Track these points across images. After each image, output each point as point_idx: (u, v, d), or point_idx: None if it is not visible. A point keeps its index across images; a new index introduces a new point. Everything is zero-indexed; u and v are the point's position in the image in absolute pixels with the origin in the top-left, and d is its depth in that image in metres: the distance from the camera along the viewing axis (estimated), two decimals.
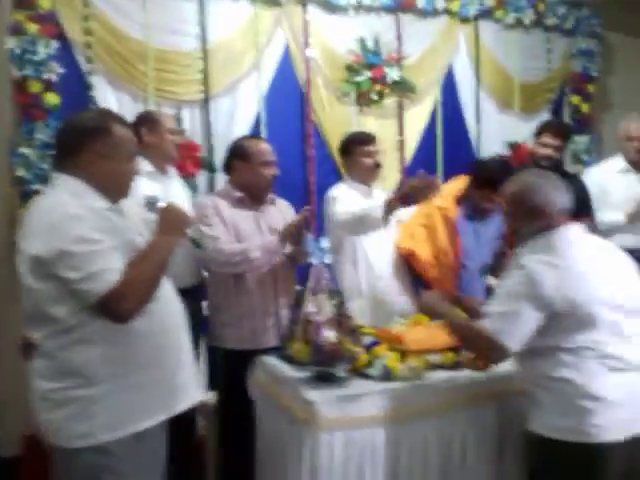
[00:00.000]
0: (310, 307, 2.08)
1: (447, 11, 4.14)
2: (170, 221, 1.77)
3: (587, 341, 1.77)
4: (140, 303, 1.61)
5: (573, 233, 1.90)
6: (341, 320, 2.10)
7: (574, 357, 1.77)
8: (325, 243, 2.12)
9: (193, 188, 3.49)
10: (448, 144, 4.21)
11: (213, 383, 2.75)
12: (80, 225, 1.56)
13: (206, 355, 2.88)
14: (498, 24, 4.36)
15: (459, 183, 3.01)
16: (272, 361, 2.31)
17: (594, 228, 3.10)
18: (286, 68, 3.83)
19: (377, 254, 2.97)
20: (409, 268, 3.00)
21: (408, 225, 3.03)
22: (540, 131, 3.46)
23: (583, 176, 3.69)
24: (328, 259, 2.13)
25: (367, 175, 3.02)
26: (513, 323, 1.78)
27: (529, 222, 1.90)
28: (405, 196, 2.53)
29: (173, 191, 2.76)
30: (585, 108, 4.65)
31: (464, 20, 4.24)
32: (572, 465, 1.76)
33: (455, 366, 2.22)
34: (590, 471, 1.75)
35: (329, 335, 2.03)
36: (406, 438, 2.05)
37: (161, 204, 1.81)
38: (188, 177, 3.47)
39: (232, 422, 2.55)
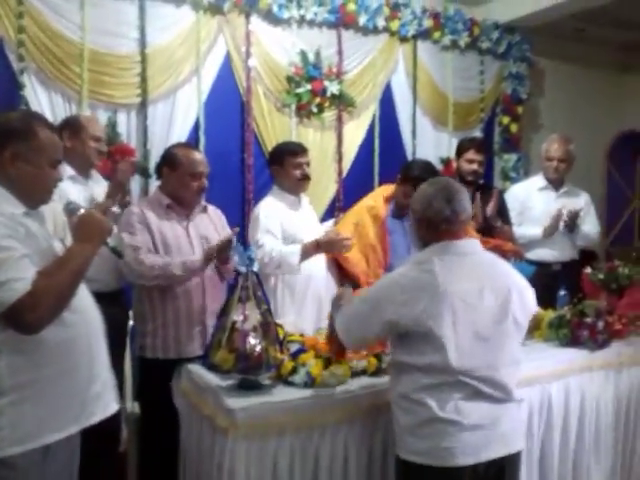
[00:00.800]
0: (236, 315, 2.09)
1: (387, 30, 4.27)
2: (89, 229, 1.70)
3: (439, 363, 1.74)
4: (51, 313, 1.56)
5: (462, 249, 1.85)
6: (267, 328, 2.12)
7: (430, 379, 1.75)
8: (253, 252, 2.14)
9: (127, 193, 3.44)
10: (384, 158, 4.33)
11: (140, 393, 2.71)
12: None
13: (133, 364, 2.84)
14: (435, 45, 4.53)
15: (389, 187, 3.08)
16: (196, 369, 2.30)
17: None
18: (227, 76, 3.85)
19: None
20: (339, 266, 3.03)
21: (340, 225, 3.08)
22: (463, 148, 3.59)
23: (507, 192, 3.88)
24: (256, 267, 2.15)
25: (295, 186, 3.00)
26: (355, 321, 1.88)
27: (421, 230, 1.90)
28: (319, 245, 2.79)
29: (98, 195, 2.70)
30: (514, 128, 4.87)
31: (403, 39, 4.38)
32: None
33: (377, 372, 2.28)
34: None
35: (254, 343, 2.05)
36: (328, 445, 2.08)
37: (81, 210, 1.76)
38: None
39: (156, 433, 2.51)
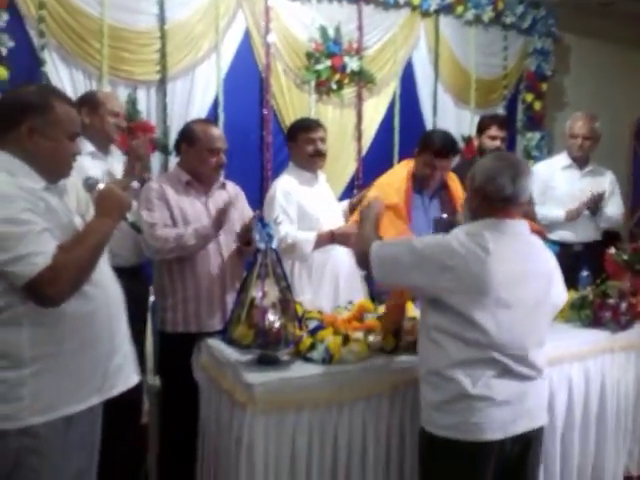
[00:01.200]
0: (255, 291, 2.09)
1: (408, 4, 4.19)
2: (108, 203, 1.70)
3: (475, 338, 1.75)
4: (71, 287, 1.57)
5: (512, 228, 1.83)
6: (286, 305, 2.12)
7: (463, 354, 1.76)
8: (273, 229, 2.14)
9: (147, 169, 3.46)
10: (405, 136, 4.27)
11: (161, 367, 2.75)
12: (10, 206, 1.52)
13: (154, 339, 2.87)
14: (458, 20, 4.44)
15: (409, 161, 2.99)
16: (216, 344, 2.32)
17: None
18: (246, 53, 3.82)
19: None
20: None
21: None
22: (485, 125, 3.54)
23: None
24: (275, 244, 2.15)
25: (308, 163, 2.92)
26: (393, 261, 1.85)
27: (475, 202, 1.86)
28: (334, 237, 2.77)
29: (117, 171, 2.71)
30: (538, 106, 4.77)
31: (425, 14, 4.30)
32: (456, 462, 1.80)
33: (395, 350, 2.27)
34: (472, 468, 1.80)
35: (273, 319, 2.06)
36: (346, 422, 2.09)
37: (100, 185, 1.76)
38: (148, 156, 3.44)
39: (176, 406, 2.54)
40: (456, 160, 3.25)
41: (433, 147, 2.67)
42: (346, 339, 2.22)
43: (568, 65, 5.12)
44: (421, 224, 2.85)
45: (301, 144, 2.93)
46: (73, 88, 3.32)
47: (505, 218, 1.83)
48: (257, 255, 2.15)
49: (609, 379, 2.64)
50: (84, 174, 1.95)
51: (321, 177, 3.04)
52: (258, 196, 3.81)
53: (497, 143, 3.43)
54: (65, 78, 3.32)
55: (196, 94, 3.67)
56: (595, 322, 2.70)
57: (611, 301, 2.73)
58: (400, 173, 2.89)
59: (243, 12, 3.76)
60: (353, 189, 4.10)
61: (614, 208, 3.74)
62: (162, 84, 3.57)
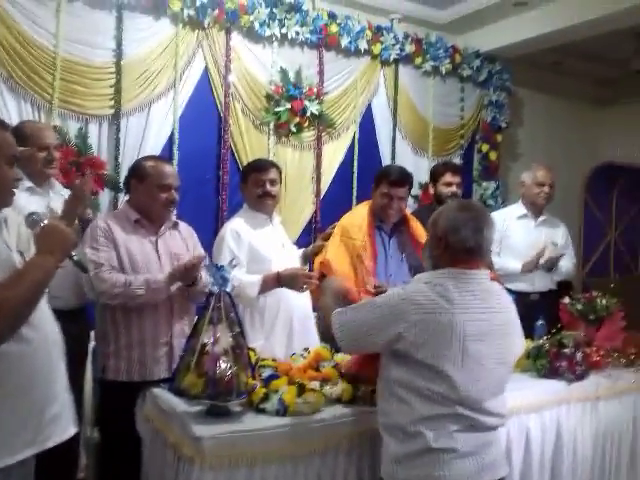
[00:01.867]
0: (207, 337, 1.97)
1: (369, 52, 4.26)
2: (51, 240, 1.60)
3: (441, 393, 1.70)
4: (9, 328, 1.45)
5: (476, 279, 1.80)
6: (239, 352, 2.00)
7: (428, 409, 1.71)
8: (228, 271, 2.03)
9: (96, 206, 3.32)
10: (363, 180, 4.26)
11: (100, 418, 2.56)
12: None
13: (94, 387, 2.68)
14: (417, 70, 4.53)
15: (368, 202, 2.99)
16: (162, 394, 2.17)
17: None
18: (204, 91, 3.77)
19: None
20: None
21: (329, 243, 2.95)
22: (439, 172, 3.58)
23: None
24: (229, 288, 2.04)
25: (257, 204, 2.82)
26: (356, 325, 1.80)
27: (437, 250, 1.83)
28: (280, 278, 2.66)
29: (57, 208, 2.56)
30: (493, 156, 4.88)
31: (384, 63, 4.37)
32: None
33: (353, 400, 2.18)
34: None
35: (225, 367, 1.93)
36: (300, 478, 1.96)
37: (44, 221, 1.65)
38: (91, 195, 3.30)
39: (116, 460, 2.35)
40: (413, 205, 3.26)
41: (389, 177, 2.79)
42: (302, 389, 2.11)
43: (522, 118, 5.29)
44: (381, 262, 2.84)
45: (250, 185, 2.85)
46: (20, 119, 3.17)
47: (468, 268, 1.80)
48: (210, 299, 2.03)
49: (565, 430, 2.60)
50: (21, 210, 1.82)
51: (275, 219, 2.96)
52: (212, 237, 3.69)
53: (453, 189, 3.47)
54: (12, 109, 3.19)
55: (151, 130, 3.58)
56: (551, 372, 2.68)
57: (566, 351, 2.72)
58: (361, 211, 2.92)
59: (202, 51, 3.73)
60: (311, 232, 4.05)
61: (567, 261, 3.80)
62: (115, 119, 3.46)
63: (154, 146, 3.55)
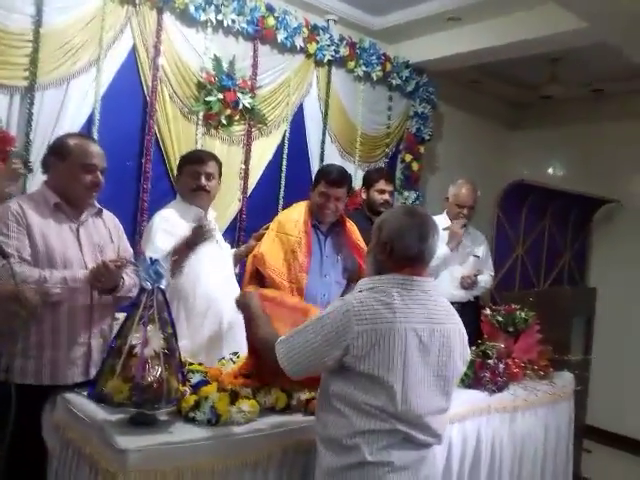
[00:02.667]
0: (135, 338, 1.79)
1: (303, 50, 4.17)
2: None
3: (382, 406, 1.66)
4: None
5: (420, 286, 1.76)
6: (170, 355, 1.84)
7: (366, 423, 1.66)
8: (162, 266, 1.86)
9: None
10: (291, 180, 4.17)
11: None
12: None
13: None
14: (349, 74, 4.50)
15: (298, 207, 2.94)
16: (77, 400, 1.96)
17: None
18: (130, 72, 3.50)
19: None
20: (261, 280, 2.79)
21: (265, 237, 2.87)
22: (373, 179, 3.58)
23: None
24: (164, 284, 1.87)
25: (189, 197, 2.70)
26: (303, 350, 1.71)
27: (381, 256, 1.79)
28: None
29: None
30: (415, 166, 4.95)
31: (319, 63, 4.30)
32: None
33: (287, 408, 2.09)
34: None
35: (155, 372, 1.77)
36: None
37: None
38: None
39: (16, 474, 2.08)
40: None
41: (328, 176, 2.80)
42: (235, 396, 1.98)
43: (441, 131, 5.42)
44: (316, 261, 2.78)
45: (185, 176, 2.72)
46: None
47: (413, 274, 1.77)
48: (141, 296, 1.86)
49: (484, 440, 2.65)
50: None
51: (210, 214, 2.80)
52: (130, 229, 3.45)
53: (386, 197, 3.48)
54: None
55: (68, 108, 3.26)
56: (475, 382, 2.73)
57: (490, 362, 2.78)
58: (299, 209, 2.89)
59: (131, 28, 3.46)
60: (235, 230, 3.89)
61: (486, 275, 3.92)
62: (30, 92, 3.12)
63: (71, 125, 3.23)
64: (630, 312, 5.12)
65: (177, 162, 3.23)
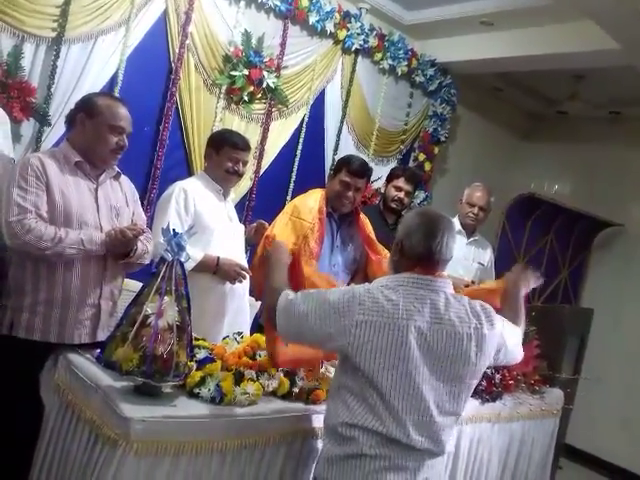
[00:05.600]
0: (151, 308, 1.77)
1: (333, 36, 4.13)
2: None
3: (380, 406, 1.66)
4: None
5: (431, 285, 1.73)
6: (183, 329, 1.83)
7: (365, 415, 1.66)
8: (185, 240, 1.84)
9: (15, 137, 2.93)
10: (304, 165, 4.16)
11: None
12: None
13: None
14: (374, 65, 4.47)
15: (315, 193, 2.92)
16: (80, 362, 1.94)
17: None
18: (159, 36, 3.46)
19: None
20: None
21: (277, 221, 2.85)
22: (394, 175, 3.57)
23: None
24: (184, 257, 1.85)
25: (222, 178, 2.75)
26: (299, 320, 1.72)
27: (395, 255, 1.80)
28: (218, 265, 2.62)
29: None
30: (428, 166, 4.94)
31: (345, 51, 4.26)
32: None
33: (289, 395, 2.08)
34: None
35: (166, 344, 1.76)
36: (225, 472, 1.83)
37: None
38: (11, 123, 2.91)
39: (8, 428, 2.06)
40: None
41: (350, 166, 2.78)
42: (240, 377, 1.97)
43: (456, 134, 5.40)
44: (326, 249, 2.79)
45: (222, 157, 2.73)
46: None
47: (424, 274, 1.74)
48: (160, 266, 1.83)
49: (469, 447, 2.67)
50: None
51: (230, 195, 2.81)
52: (141, 194, 3.41)
53: (400, 195, 3.46)
54: None
55: (93, 65, 3.22)
56: None
57: (487, 371, 2.78)
58: (315, 195, 2.87)
59: None
60: (244, 209, 3.87)
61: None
62: (56, 44, 3.08)
63: (94, 83, 3.20)
64: (622, 335, 5.17)
65: (195, 131, 3.23)
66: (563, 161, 5.83)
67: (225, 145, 2.73)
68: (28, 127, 3.05)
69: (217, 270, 2.63)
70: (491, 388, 2.76)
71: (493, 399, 2.78)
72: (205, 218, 2.65)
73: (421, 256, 1.74)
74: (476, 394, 2.72)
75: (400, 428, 1.66)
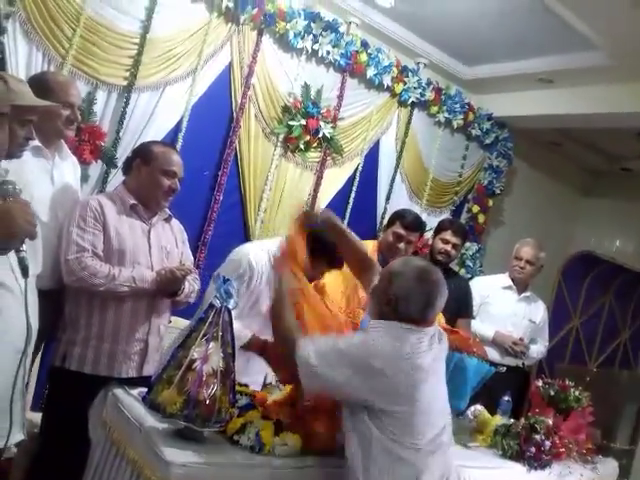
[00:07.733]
0: (197, 353, 1.81)
1: (390, 89, 4.21)
2: (9, 215, 1.41)
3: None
4: None
5: (426, 332, 1.80)
6: (227, 375, 1.85)
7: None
8: (234, 287, 1.88)
9: (83, 178, 3.09)
10: (356, 213, 4.19)
11: (46, 410, 2.31)
12: None
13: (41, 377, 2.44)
14: (430, 118, 4.51)
15: (368, 244, 2.95)
16: (127, 399, 1.99)
17: None
18: (222, 86, 3.62)
19: None
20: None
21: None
22: (442, 227, 3.55)
23: (471, 282, 3.82)
24: (232, 305, 1.89)
25: (387, 251, 2.84)
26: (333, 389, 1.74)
27: (386, 307, 1.81)
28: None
29: (60, 175, 2.32)
30: (481, 219, 4.89)
31: (401, 103, 4.33)
32: None
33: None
34: None
35: (210, 389, 1.78)
36: None
37: (11, 198, 1.45)
38: (81, 164, 3.08)
39: (57, 454, 2.12)
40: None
41: (404, 219, 2.87)
42: (279, 427, 1.97)
43: (512, 188, 5.35)
44: None
45: (391, 234, 2.86)
46: (27, 67, 2.95)
47: (416, 327, 1.80)
48: (208, 312, 1.88)
49: None
50: (15, 170, 1.61)
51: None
52: (197, 235, 3.54)
53: (447, 247, 3.43)
54: (22, 54, 2.94)
55: (160, 112, 3.39)
56: (518, 455, 2.63)
57: (537, 437, 2.67)
58: (368, 246, 2.85)
59: (231, 45, 3.59)
60: None
61: (540, 345, 3.81)
62: (127, 92, 3.26)
63: (160, 129, 3.36)
64: None
65: (251, 178, 3.33)
66: (625, 219, 5.66)
67: (397, 223, 2.87)
68: (96, 168, 3.22)
69: (263, 353, 2.36)
70: (540, 455, 2.64)
71: (542, 467, 2.66)
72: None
73: (415, 320, 1.79)
74: (523, 460, 2.62)
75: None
